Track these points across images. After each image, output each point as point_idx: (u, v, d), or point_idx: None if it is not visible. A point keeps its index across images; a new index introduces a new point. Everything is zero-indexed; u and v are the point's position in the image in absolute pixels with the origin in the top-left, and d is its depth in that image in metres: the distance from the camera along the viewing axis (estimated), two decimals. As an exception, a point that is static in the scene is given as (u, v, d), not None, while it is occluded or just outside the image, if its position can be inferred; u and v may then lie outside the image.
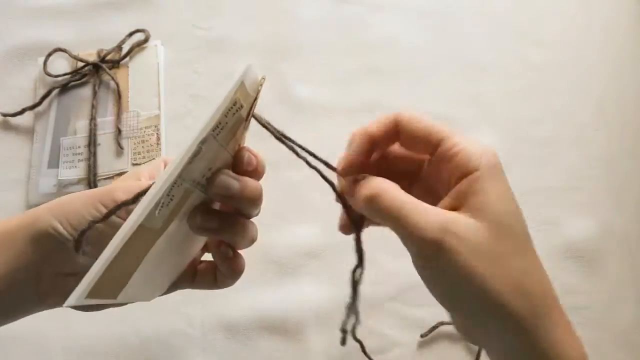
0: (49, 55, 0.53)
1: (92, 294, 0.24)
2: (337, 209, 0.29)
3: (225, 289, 0.48)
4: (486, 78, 0.53)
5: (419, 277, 0.26)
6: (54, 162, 0.49)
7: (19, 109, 0.52)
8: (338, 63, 0.53)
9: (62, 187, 0.48)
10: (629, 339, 0.45)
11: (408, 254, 0.25)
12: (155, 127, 0.50)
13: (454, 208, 0.26)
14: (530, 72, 0.53)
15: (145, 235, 0.25)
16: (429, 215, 0.25)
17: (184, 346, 0.44)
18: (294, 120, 0.51)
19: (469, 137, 0.27)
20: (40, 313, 0.45)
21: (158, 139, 0.50)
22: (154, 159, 0.49)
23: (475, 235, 0.24)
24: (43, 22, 0.57)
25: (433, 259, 0.24)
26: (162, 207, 0.25)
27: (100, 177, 0.48)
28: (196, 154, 0.24)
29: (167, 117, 0.51)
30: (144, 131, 0.50)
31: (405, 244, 0.25)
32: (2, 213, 0.49)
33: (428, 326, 0.43)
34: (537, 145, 0.50)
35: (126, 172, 0.48)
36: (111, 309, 0.46)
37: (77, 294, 0.24)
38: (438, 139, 0.27)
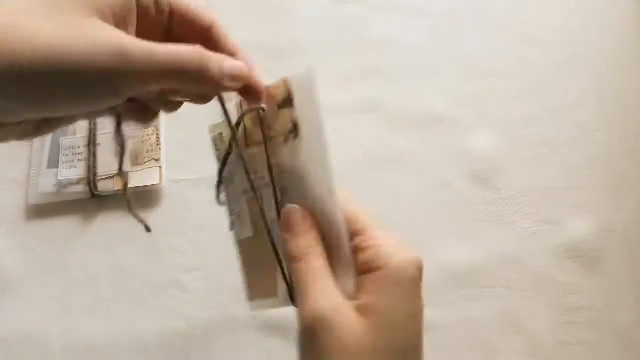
0: (49, 55, 0.53)
1: (251, 296, 0.30)
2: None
3: (224, 288, 0.48)
4: (486, 78, 0.53)
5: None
6: (53, 162, 0.49)
7: (18, 109, 0.52)
8: (338, 63, 0.53)
9: (62, 187, 0.48)
10: (629, 339, 0.45)
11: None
12: (155, 127, 0.50)
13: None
14: (529, 72, 0.53)
15: (252, 242, 0.30)
16: (319, 300, 0.24)
17: (184, 346, 0.44)
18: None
19: (392, 238, 0.26)
20: (40, 313, 0.45)
21: (158, 139, 0.50)
22: (153, 159, 0.49)
23: (350, 333, 0.23)
24: (43, 22, 0.57)
25: (308, 342, 0.24)
26: (234, 224, 0.30)
27: (100, 177, 0.48)
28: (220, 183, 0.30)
29: (167, 118, 0.51)
30: (144, 131, 0.50)
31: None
32: (2, 213, 0.49)
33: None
34: (537, 145, 0.50)
35: (126, 172, 0.48)
36: (110, 309, 0.46)
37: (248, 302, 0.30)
38: (357, 229, 0.26)
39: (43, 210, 0.48)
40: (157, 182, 0.47)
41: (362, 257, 0.25)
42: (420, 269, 0.25)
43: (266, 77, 0.30)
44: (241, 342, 0.44)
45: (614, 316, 0.45)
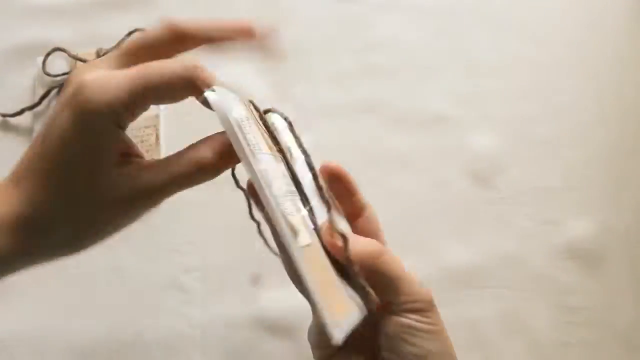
0: (48, 54, 0.53)
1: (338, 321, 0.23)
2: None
3: (224, 288, 0.48)
4: (486, 78, 0.53)
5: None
6: (53, 162, 0.49)
7: (18, 109, 0.52)
8: (338, 63, 0.53)
9: (62, 187, 0.48)
10: (629, 339, 0.45)
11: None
12: (154, 127, 0.50)
13: None
14: (530, 72, 0.53)
15: (311, 252, 0.24)
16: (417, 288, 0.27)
17: (184, 346, 0.44)
18: (293, 120, 0.51)
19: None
20: (39, 313, 0.45)
21: (157, 138, 0.50)
22: (152, 159, 0.49)
23: None
24: (42, 22, 0.56)
25: (429, 314, 0.27)
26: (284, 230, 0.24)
27: (99, 177, 0.48)
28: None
29: (167, 117, 0.51)
30: (143, 131, 0.50)
31: (399, 300, 0.27)
32: (2, 213, 0.49)
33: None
34: (537, 145, 0.50)
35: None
36: (109, 309, 0.46)
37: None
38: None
39: (42, 210, 0.48)
40: (156, 182, 0.47)
41: None
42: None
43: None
44: (241, 342, 0.44)
45: (614, 316, 0.45)
